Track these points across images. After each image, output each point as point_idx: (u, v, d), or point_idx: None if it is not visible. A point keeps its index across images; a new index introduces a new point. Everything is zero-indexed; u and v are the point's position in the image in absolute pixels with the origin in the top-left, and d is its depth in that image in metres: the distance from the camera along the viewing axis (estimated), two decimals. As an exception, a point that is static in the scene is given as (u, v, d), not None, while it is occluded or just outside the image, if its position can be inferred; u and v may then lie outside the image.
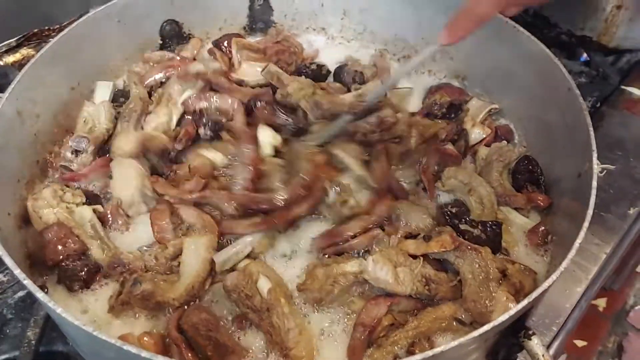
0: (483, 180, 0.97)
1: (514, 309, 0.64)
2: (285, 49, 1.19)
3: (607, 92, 1.33)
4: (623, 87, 1.34)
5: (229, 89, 1.08)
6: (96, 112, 1.03)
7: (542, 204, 0.95)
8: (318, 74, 1.17)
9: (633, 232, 1.06)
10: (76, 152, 0.99)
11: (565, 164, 0.92)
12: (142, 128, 1.04)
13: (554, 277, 0.67)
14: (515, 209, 0.97)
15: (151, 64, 1.15)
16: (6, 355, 0.90)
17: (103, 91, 1.07)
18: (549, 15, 1.41)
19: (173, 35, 1.22)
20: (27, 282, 0.67)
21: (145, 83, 1.10)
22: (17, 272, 0.68)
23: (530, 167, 0.99)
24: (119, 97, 1.10)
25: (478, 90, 1.18)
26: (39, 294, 0.67)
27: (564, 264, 0.68)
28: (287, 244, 0.91)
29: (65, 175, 0.98)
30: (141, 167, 0.97)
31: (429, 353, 0.59)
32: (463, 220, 0.90)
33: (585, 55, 1.42)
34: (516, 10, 0.91)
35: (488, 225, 0.88)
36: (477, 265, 0.81)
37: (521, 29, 1.04)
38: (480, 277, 0.80)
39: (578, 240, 0.72)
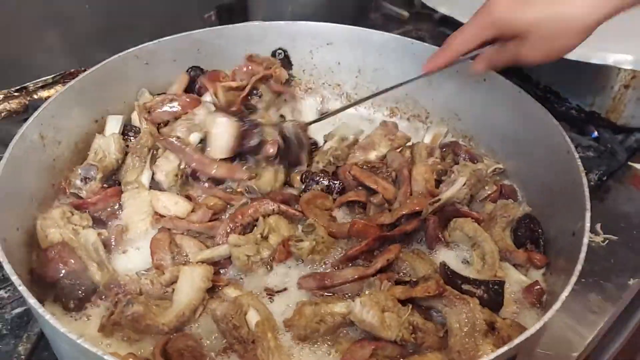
0: (489, 236, 0.97)
1: (493, 354, 0.64)
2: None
3: (614, 167, 1.35)
4: (630, 163, 1.37)
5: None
6: (106, 143, 1.08)
7: (538, 263, 0.96)
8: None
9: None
10: (85, 180, 1.04)
11: (562, 223, 0.93)
12: (152, 163, 1.08)
13: (537, 326, 0.67)
14: (514, 265, 0.97)
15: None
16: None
17: (113, 124, 1.13)
18: (559, 90, 1.45)
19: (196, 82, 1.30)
20: (23, 289, 0.70)
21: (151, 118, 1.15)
22: (15, 278, 0.71)
23: (531, 225, 1.00)
24: (129, 131, 1.16)
25: (483, 150, 1.21)
26: (35, 304, 0.69)
27: (549, 314, 0.68)
28: (278, 279, 0.92)
29: (75, 202, 1.02)
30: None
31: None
32: (465, 280, 0.89)
33: (595, 132, 1.45)
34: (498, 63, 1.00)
35: (490, 285, 0.88)
36: (464, 316, 0.81)
37: (524, 93, 1.09)
38: (467, 328, 0.80)
39: (564, 293, 0.72)
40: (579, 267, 0.75)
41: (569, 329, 0.98)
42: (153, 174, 1.07)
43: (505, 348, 0.64)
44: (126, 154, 1.10)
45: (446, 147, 1.22)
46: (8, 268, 0.72)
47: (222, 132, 1.06)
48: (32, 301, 0.68)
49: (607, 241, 1.15)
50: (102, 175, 1.05)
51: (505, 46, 0.95)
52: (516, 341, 0.65)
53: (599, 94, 1.39)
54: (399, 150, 1.18)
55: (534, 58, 0.93)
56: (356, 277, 0.90)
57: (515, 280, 0.94)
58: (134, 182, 1.05)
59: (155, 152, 1.09)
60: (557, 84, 1.45)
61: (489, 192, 1.09)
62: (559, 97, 1.46)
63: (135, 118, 1.16)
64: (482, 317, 0.81)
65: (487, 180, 1.09)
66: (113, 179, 1.09)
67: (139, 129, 1.14)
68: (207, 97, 1.22)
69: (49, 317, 0.67)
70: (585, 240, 0.80)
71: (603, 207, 1.24)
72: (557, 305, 0.70)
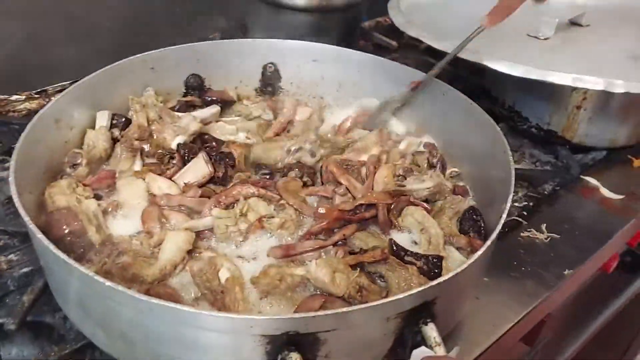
0: (435, 222, 1.12)
1: (413, 290, 0.77)
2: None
3: (567, 181, 1.50)
4: (582, 176, 1.51)
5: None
6: (95, 135, 1.23)
7: (478, 248, 1.09)
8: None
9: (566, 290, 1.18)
10: (73, 166, 1.19)
11: (497, 214, 1.07)
12: (140, 154, 1.24)
13: (459, 269, 0.81)
14: (457, 249, 1.11)
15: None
16: (2, 320, 1.05)
17: (101, 119, 1.28)
18: (521, 109, 1.61)
19: (195, 87, 1.47)
20: (32, 227, 0.85)
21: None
22: (32, 226, 0.86)
23: (474, 216, 1.14)
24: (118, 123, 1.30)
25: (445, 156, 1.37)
26: (42, 238, 0.84)
27: (464, 265, 0.82)
28: (251, 249, 1.07)
29: (84, 181, 1.18)
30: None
31: (331, 311, 0.73)
32: (408, 253, 1.04)
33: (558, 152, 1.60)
34: None
35: (430, 258, 1.02)
36: (402, 279, 0.95)
37: (475, 104, 1.25)
38: (404, 288, 0.93)
39: (480, 251, 0.85)
40: (493, 236, 0.89)
41: (505, 306, 1.11)
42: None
43: (425, 286, 0.77)
44: (116, 143, 1.25)
45: (422, 150, 1.37)
46: (22, 212, 0.87)
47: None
48: (39, 236, 0.83)
49: (550, 239, 1.29)
50: (88, 162, 1.19)
51: None
52: (431, 283, 0.79)
53: (555, 113, 1.54)
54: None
55: None
56: (316, 247, 1.04)
57: (456, 259, 1.07)
58: (128, 171, 1.21)
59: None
60: (519, 104, 1.61)
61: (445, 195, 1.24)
62: (520, 116, 1.62)
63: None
64: (418, 281, 0.95)
65: (446, 195, 1.22)
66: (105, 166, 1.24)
67: (129, 120, 1.29)
68: (207, 111, 1.40)
69: (58, 251, 0.82)
70: (504, 215, 0.94)
71: (551, 211, 1.38)
72: (471, 260, 0.84)
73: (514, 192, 1.03)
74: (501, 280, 1.15)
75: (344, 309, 0.74)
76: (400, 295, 0.76)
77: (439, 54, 1.86)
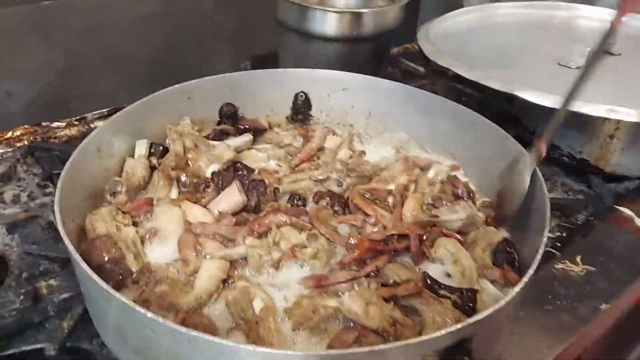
0: (468, 254, 1.12)
1: (450, 328, 0.77)
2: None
3: (600, 210, 1.48)
4: (616, 206, 1.49)
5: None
6: (134, 164, 1.27)
7: (512, 281, 1.08)
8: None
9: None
10: (113, 194, 1.22)
11: (532, 245, 1.06)
12: (177, 182, 1.27)
13: (497, 306, 0.80)
14: (491, 281, 1.10)
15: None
16: (40, 345, 1.08)
17: (140, 147, 1.31)
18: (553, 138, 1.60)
19: (229, 116, 1.51)
20: (76, 257, 0.88)
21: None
22: (74, 254, 0.89)
23: (508, 248, 1.13)
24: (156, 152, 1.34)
25: (474, 187, 1.36)
26: (85, 267, 0.87)
27: (500, 303, 0.82)
28: (283, 278, 1.08)
29: (123, 208, 1.21)
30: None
31: (367, 349, 0.73)
32: (442, 286, 1.04)
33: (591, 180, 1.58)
34: None
35: (464, 291, 1.01)
36: (437, 313, 0.95)
37: (510, 137, 1.25)
38: (439, 323, 0.93)
39: (516, 289, 0.85)
40: (531, 271, 0.88)
41: (540, 340, 1.10)
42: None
43: (464, 323, 0.77)
44: (153, 171, 1.29)
45: (446, 181, 1.37)
46: (66, 240, 0.91)
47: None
48: (83, 265, 0.86)
49: (586, 271, 1.27)
50: (127, 189, 1.22)
51: None
52: (469, 320, 0.79)
53: (587, 143, 1.53)
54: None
55: None
56: (348, 278, 1.05)
57: (491, 292, 1.07)
58: (165, 198, 1.24)
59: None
60: (550, 133, 1.60)
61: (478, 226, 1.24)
62: (551, 145, 1.60)
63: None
64: (453, 316, 0.95)
65: (478, 227, 1.21)
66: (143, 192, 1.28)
67: (166, 148, 1.32)
68: (240, 139, 1.43)
69: (98, 279, 0.84)
70: (541, 250, 0.93)
71: (585, 242, 1.36)
72: (508, 297, 0.83)
73: (546, 222, 1.03)
74: (536, 314, 1.14)
75: (380, 347, 0.75)
76: (438, 333, 0.76)
77: (466, 81, 1.88)
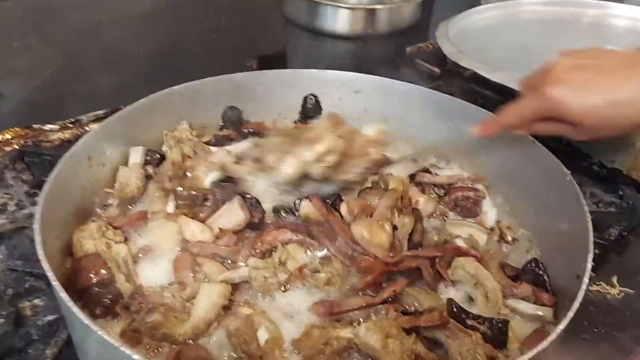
0: (490, 275, 1.00)
1: (484, 376, 0.66)
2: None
3: (634, 223, 1.36)
4: (652, 220, 1.37)
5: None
6: (127, 173, 1.16)
7: (547, 302, 0.97)
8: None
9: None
10: (103, 207, 1.12)
11: (569, 268, 0.95)
12: (174, 194, 1.15)
13: (530, 354, 0.69)
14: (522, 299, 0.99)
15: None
16: (22, 375, 0.97)
17: (135, 155, 1.21)
18: (580, 145, 1.49)
19: (233, 120, 1.40)
20: (56, 284, 0.77)
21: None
22: (55, 284, 0.78)
23: (537, 270, 1.03)
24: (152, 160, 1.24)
25: (500, 198, 1.25)
26: (65, 298, 0.76)
27: (543, 344, 0.70)
28: (291, 302, 0.97)
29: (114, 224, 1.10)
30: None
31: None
32: (470, 315, 0.92)
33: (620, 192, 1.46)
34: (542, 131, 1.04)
35: (494, 322, 0.90)
36: (465, 348, 0.83)
37: (539, 144, 1.14)
38: (466, 358, 0.82)
39: (560, 326, 0.74)
40: (576, 304, 0.77)
41: (580, 377, 0.98)
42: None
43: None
44: (149, 180, 1.18)
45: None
46: (46, 266, 0.80)
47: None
48: (63, 295, 0.75)
49: (624, 294, 1.15)
50: (120, 202, 1.12)
51: (553, 124, 0.99)
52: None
53: (620, 151, 1.42)
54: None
55: (581, 139, 0.98)
56: (363, 304, 0.93)
57: (529, 312, 0.96)
58: (161, 212, 1.13)
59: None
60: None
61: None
62: (581, 152, 1.49)
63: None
64: (483, 351, 0.84)
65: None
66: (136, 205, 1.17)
67: (163, 156, 1.22)
68: (242, 145, 1.31)
69: (81, 314, 0.73)
70: (586, 279, 0.82)
71: (621, 261, 1.25)
72: (552, 337, 0.72)
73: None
74: (572, 344, 1.02)
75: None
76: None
77: (484, 82, 1.75)
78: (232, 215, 1.08)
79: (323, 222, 1.07)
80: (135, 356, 0.67)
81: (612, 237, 1.31)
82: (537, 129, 1.03)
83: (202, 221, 1.09)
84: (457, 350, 0.84)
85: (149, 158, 1.21)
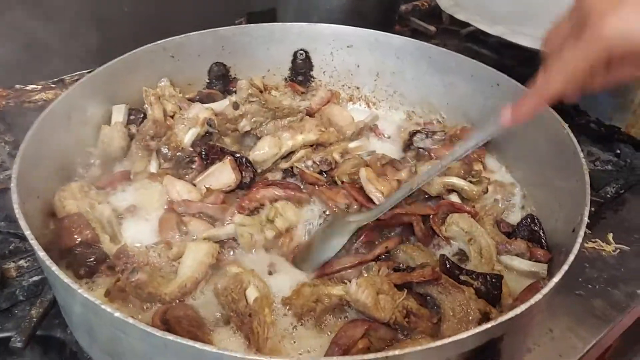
0: (484, 231, 0.98)
1: (477, 329, 0.64)
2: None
3: (632, 182, 1.33)
4: (649, 177, 1.35)
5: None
6: (110, 132, 1.12)
7: (542, 258, 0.96)
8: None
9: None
10: (86, 166, 1.08)
11: (565, 222, 0.93)
12: (157, 153, 1.12)
13: (522, 307, 0.67)
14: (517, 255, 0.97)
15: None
16: (9, 334, 0.95)
17: (118, 114, 1.16)
18: (578, 102, 1.45)
19: (220, 77, 1.35)
20: (34, 243, 0.74)
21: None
22: (28, 233, 0.75)
23: (532, 225, 1.01)
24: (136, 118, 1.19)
25: (495, 155, 1.22)
26: (45, 257, 0.73)
27: (537, 297, 0.68)
28: (282, 262, 0.95)
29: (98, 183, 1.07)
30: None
31: (381, 354, 0.60)
32: (464, 271, 0.90)
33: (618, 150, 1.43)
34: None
35: (488, 277, 0.88)
36: (458, 304, 0.81)
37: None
38: (460, 315, 0.80)
39: (555, 279, 0.72)
40: (571, 257, 0.75)
41: (571, 331, 0.97)
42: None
43: (489, 325, 0.64)
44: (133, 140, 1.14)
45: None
46: (23, 224, 0.77)
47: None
48: (41, 254, 0.72)
49: (619, 251, 1.14)
50: (102, 162, 1.09)
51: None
52: (499, 319, 0.66)
53: (619, 108, 1.38)
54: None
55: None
56: (355, 262, 0.91)
57: (523, 268, 0.95)
58: (144, 172, 1.09)
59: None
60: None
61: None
62: (577, 110, 1.45)
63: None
64: (476, 306, 0.82)
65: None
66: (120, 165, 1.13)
67: (146, 115, 1.17)
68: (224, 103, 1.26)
69: (60, 273, 0.71)
70: (582, 232, 0.80)
71: (617, 218, 1.23)
72: (545, 290, 0.70)
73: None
74: (566, 300, 1.01)
75: (397, 352, 0.62)
76: (464, 335, 0.63)
77: (481, 40, 1.69)
78: (223, 175, 1.04)
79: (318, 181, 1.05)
80: (117, 314, 0.64)
81: (608, 195, 1.29)
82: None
83: (190, 182, 1.06)
84: (450, 306, 0.82)
85: (132, 117, 1.17)
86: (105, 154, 1.09)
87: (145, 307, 0.86)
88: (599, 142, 1.46)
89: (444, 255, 0.92)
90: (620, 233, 1.17)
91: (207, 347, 0.61)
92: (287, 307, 0.86)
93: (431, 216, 1.01)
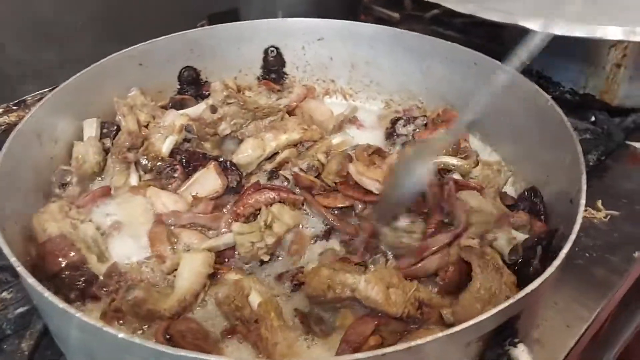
0: (490, 204, 0.97)
1: (495, 309, 0.63)
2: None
3: (611, 148, 1.35)
4: (628, 142, 1.37)
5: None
6: (84, 148, 1.07)
7: (538, 230, 0.95)
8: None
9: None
10: (62, 186, 1.03)
11: (559, 192, 0.93)
12: (136, 165, 1.08)
13: (537, 281, 0.66)
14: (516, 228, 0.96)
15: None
16: (0, 371, 0.90)
17: (89, 128, 1.11)
18: (552, 74, 1.46)
19: (191, 82, 1.31)
20: (21, 269, 0.69)
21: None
22: (20, 269, 0.70)
23: (533, 197, 1.01)
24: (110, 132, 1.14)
25: (478, 136, 1.22)
26: (35, 284, 0.68)
27: (549, 270, 0.68)
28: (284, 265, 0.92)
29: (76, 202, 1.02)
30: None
31: (403, 345, 0.58)
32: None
33: (593, 117, 1.45)
34: None
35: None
36: (489, 284, 0.79)
37: (515, 71, 1.09)
38: (485, 295, 0.78)
39: (564, 249, 0.71)
40: (577, 226, 0.75)
41: (576, 302, 0.97)
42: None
43: (506, 304, 0.63)
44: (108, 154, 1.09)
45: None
46: (7, 251, 0.72)
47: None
48: (31, 281, 0.68)
49: (609, 216, 1.14)
50: (79, 179, 1.04)
51: None
52: (517, 296, 0.64)
53: (592, 75, 1.39)
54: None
55: None
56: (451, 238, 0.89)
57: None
58: (124, 186, 1.05)
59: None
60: (548, 69, 1.45)
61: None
62: (551, 81, 1.46)
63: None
64: (506, 294, 0.79)
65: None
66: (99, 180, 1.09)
67: (119, 127, 1.12)
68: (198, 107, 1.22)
69: (54, 299, 0.66)
70: (582, 201, 0.80)
71: (602, 185, 1.24)
72: (557, 262, 0.69)
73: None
74: (567, 272, 1.00)
75: (419, 342, 0.60)
76: (485, 316, 0.62)
77: (446, 23, 1.68)
78: (208, 181, 1.00)
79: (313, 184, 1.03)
80: (121, 335, 0.60)
81: (591, 163, 1.30)
82: None
83: (174, 192, 1.01)
84: (482, 282, 0.80)
85: (105, 130, 1.12)
86: (81, 171, 1.03)
87: (142, 328, 0.82)
88: (575, 112, 1.46)
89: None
90: (608, 199, 1.18)
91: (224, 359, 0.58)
92: (304, 284, 0.84)
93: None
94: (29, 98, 1.52)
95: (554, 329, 0.91)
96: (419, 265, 0.88)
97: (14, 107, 1.50)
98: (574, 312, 0.95)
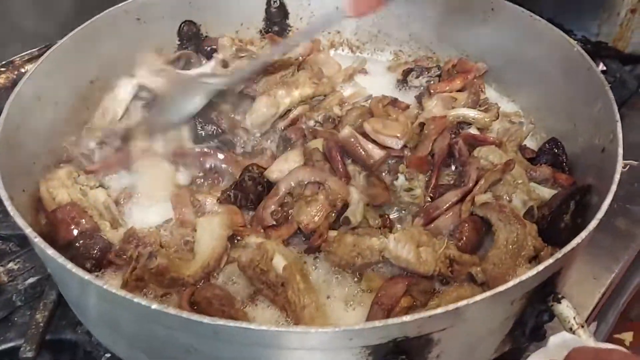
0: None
1: (541, 265, 0.61)
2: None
3: (625, 96, 1.33)
4: (640, 90, 1.34)
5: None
6: (117, 107, 1.03)
7: (565, 183, 0.93)
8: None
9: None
10: (101, 145, 0.99)
11: (588, 142, 0.90)
12: None
13: (583, 235, 0.64)
14: (540, 183, 0.94)
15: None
16: (12, 344, 0.87)
17: (126, 89, 1.06)
18: (563, 22, 1.41)
19: (191, 36, 1.24)
20: (43, 243, 0.65)
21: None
22: (37, 239, 0.67)
23: (555, 149, 0.98)
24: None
25: (494, 85, 1.18)
26: (53, 254, 0.65)
27: (589, 227, 0.66)
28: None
29: (89, 167, 0.98)
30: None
31: (451, 306, 0.56)
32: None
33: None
34: None
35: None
36: (515, 236, 0.78)
37: (536, 17, 1.05)
38: (512, 247, 0.77)
39: (605, 203, 0.69)
40: (617, 176, 0.72)
41: (602, 253, 0.96)
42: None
43: (551, 260, 0.61)
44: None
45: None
46: (21, 222, 0.68)
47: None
48: (50, 252, 0.64)
49: (628, 166, 1.12)
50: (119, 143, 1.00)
51: None
52: (563, 251, 0.62)
53: (605, 22, 1.35)
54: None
55: None
56: (460, 195, 0.87)
57: (546, 198, 0.91)
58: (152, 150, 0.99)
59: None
60: (560, 16, 1.39)
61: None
62: (563, 29, 1.41)
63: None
64: (533, 243, 0.78)
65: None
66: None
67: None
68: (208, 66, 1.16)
69: (77, 269, 0.63)
70: (620, 150, 0.77)
71: (619, 134, 1.21)
72: (600, 214, 0.67)
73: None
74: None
75: (465, 302, 0.58)
76: (530, 274, 0.60)
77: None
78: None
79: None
80: (154, 306, 0.57)
81: (604, 113, 1.28)
82: None
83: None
84: (506, 236, 0.78)
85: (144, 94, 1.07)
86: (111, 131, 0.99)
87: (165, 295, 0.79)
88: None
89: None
90: (626, 149, 1.16)
91: (263, 327, 0.55)
92: (328, 255, 0.81)
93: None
94: (17, 59, 1.44)
95: (581, 282, 0.90)
96: (432, 225, 0.85)
97: (2, 69, 1.42)
98: (600, 263, 0.94)
